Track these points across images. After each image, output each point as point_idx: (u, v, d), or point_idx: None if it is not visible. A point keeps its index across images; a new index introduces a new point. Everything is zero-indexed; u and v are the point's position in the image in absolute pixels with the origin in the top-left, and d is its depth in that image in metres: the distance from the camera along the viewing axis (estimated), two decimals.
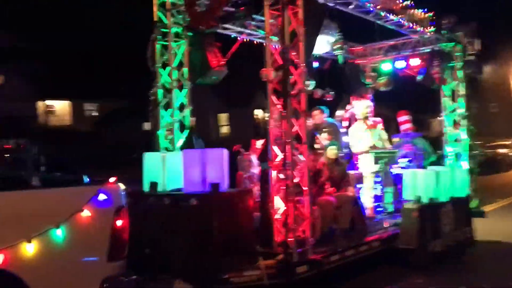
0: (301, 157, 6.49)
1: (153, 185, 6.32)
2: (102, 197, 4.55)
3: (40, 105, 37.41)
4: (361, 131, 9.59)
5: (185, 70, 7.87)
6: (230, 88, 19.84)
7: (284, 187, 6.33)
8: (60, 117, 37.26)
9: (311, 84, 7.89)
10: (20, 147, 4.97)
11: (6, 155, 4.86)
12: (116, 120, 32.30)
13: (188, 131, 7.85)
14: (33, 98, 35.97)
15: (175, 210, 6.11)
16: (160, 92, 7.81)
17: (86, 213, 4.40)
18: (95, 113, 37.29)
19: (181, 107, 7.91)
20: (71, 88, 32.89)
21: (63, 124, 36.23)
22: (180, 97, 7.89)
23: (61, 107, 37.80)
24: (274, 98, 6.43)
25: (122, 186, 4.87)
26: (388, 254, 7.87)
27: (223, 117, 34.13)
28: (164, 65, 7.85)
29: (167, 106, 7.86)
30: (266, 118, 6.58)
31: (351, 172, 8.90)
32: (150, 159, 6.63)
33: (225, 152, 6.30)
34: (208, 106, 26.15)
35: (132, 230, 4.75)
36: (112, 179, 4.72)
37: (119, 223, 4.64)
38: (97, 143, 26.71)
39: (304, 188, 6.54)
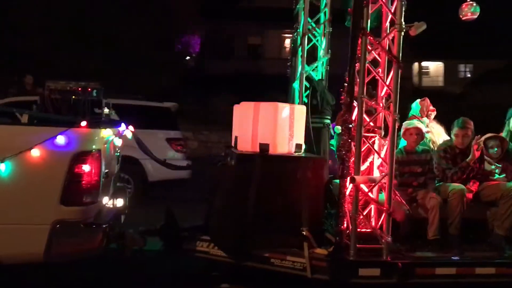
0: None
1: None
2: (60, 139, 4.39)
3: (416, 66, 37.72)
4: None
5: None
6: None
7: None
8: (433, 78, 36.83)
9: None
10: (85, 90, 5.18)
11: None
12: (489, 82, 29.73)
13: None
14: (410, 59, 36.66)
15: (219, 171, 5.40)
16: None
17: (35, 152, 4.34)
18: (468, 74, 35.42)
19: None
20: (446, 50, 32.14)
21: (435, 85, 35.73)
22: None
23: (435, 68, 37.28)
24: None
25: (99, 131, 4.61)
26: None
27: None
28: None
29: None
30: None
31: None
32: None
33: (280, 108, 5.13)
34: None
35: None
36: (83, 123, 4.51)
37: (78, 168, 4.43)
38: (466, 104, 25.05)
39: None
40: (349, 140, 4.69)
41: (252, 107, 5.23)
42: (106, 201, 4.96)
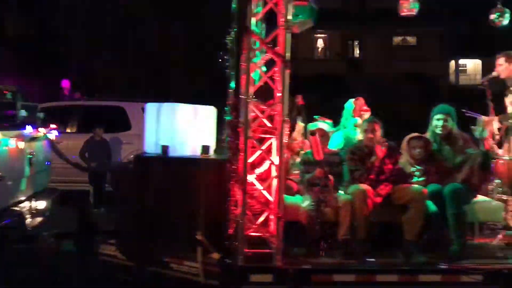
0: None
1: None
2: None
3: (452, 64, 36.76)
4: None
5: None
6: None
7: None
8: (470, 76, 35.75)
9: None
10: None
11: None
12: None
13: None
14: (446, 58, 35.69)
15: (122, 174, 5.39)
16: None
17: None
18: None
19: None
20: (483, 47, 31.08)
21: (472, 84, 34.61)
22: None
23: (472, 66, 36.19)
24: None
25: None
26: None
27: None
28: None
29: None
30: None
31: None
32: None
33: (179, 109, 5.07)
34: None
35: None
36: None
37: None
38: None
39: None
40: (236, 142, 4.58)
41: (156, 108, 5.19)
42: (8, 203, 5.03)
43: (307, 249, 5.02)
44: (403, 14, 6.91)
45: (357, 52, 37.58)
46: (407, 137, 5.48)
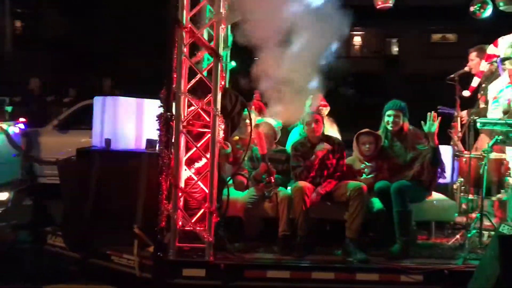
0: None
1: None
2: None
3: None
4: None
5: None
6: None
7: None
8: None
9: None
10: None
11: None
12: None
13: None
14: None
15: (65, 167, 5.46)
16: None
17: None
18: None
19: None
20: None
21: None
22: None
23: None
24: None
25: None
26: None
27: None
28: None
29: None
30: None
31: None
32: None
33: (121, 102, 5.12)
34: None
35: None
36: None
37: None
38: None
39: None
40: (167, 136, 4.58)
41: (100, 101, 5.26)
42: None
43: (247, 244, 4.98)
44: (378, 7, 6.79)
45: (394, 49, 36.90)
46: (358, 132, 5.36)
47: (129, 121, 5.11)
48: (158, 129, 4.61)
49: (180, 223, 4.68)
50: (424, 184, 5.09)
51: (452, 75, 6.14)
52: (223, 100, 5.11)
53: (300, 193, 4.85)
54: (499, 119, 4.79)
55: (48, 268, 5.43)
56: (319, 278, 4.66)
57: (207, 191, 4.72)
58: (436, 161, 4.98)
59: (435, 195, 5.42)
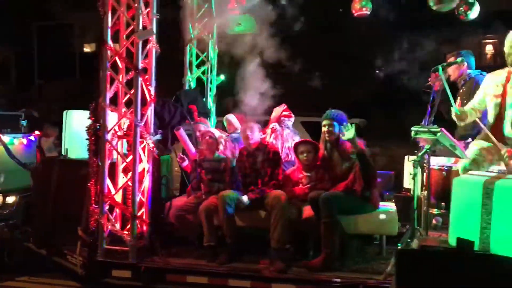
0: None
1: None
2: None
3: None
4: None
5: None
6: None
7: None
8: None
9: None
10: None
11: None
12: None
13: None
14: None
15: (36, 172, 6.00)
16: None
17: None
18: None
19: None
20: None
21: None
22: None
23: None
24: None
25: None
26: None
27: None
28: None
29: None
30: None
31: None
32: None
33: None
34: None
35: None
36: None
37: None
38: None
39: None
40: (95, 145, 4.94)
41: (65, 115, 5.77)
42: None
43: (185, 249, 5.21)
44: (357, 14, 6.69)
45: None
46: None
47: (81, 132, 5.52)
48: (87, 139, 4.98)
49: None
50: (357, 194, 4.89)
51: (429, 82, 5.77)
52: (161, 111, 5.38)
53: (222, 202, 4.93)
54: (422, 127, 4.48)
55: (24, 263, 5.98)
56: (235, 285, 4.70)
57: (142, 198, 5.01)
58: (365, 168, 4.78)
59: (390, 207, 5.19)
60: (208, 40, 7.10)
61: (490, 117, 4.32)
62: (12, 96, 14.78)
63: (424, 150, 4.53)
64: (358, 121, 9.72)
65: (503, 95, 4.20)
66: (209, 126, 5.63)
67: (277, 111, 5.91)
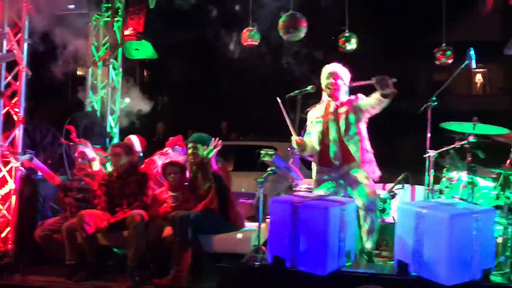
0: None
1: None
2: None
3: None
4: None
5: None
6: None
7: None
8: None
9: None
10: None
11: None
12: None
13: None
14: None
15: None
16: None
17: None
18: None
19: None
20: None
21: None
22: None
23: None
24: None
25: None
26: None
27: None
28: None
29: None
30: None
31: None
32: None
33: None
34: None
35: None
36: None
37: None
38: None
39: None
40: None
41: None
42: None
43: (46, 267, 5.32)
44: (246, 44, 7.04)
45: None
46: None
47: None
48: None
49: None
50: (216, 214, 5.03)
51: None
52: (33, 132, 5.58)
53: (79, 221, 5.08)
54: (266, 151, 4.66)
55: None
56: None
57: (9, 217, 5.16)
58: (218, 189, 4.95)
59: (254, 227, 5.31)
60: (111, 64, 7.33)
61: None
62: None
63: (267, 172, 4.69)
64: None
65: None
66: (90, 147, 5.79)
67: (173, 140, 6.14)
